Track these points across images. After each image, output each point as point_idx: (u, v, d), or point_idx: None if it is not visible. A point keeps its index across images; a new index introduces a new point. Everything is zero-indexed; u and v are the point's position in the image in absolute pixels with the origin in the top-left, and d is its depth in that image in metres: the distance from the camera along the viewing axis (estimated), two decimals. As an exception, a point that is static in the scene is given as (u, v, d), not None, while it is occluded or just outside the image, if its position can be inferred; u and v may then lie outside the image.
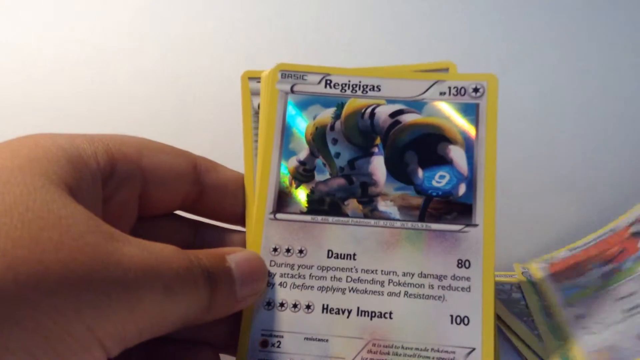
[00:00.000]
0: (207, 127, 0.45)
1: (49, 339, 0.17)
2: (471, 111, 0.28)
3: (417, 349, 0.25)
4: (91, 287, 0.18)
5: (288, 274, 0.26)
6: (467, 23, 0.47)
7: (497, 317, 0.32)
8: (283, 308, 0.26)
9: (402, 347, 0.25)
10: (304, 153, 0.28)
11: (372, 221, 0.27)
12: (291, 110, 0.28)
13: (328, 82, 0.29)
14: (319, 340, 0.25)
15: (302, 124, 0.28)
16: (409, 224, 0.26)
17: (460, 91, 0.28)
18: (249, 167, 0.28)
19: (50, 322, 0.17)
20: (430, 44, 0.47)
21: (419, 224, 0.26)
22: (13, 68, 0.46)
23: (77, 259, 0.18)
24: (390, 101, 0.28)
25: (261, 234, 0.27)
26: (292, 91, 0.29)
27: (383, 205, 0.27)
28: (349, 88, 0.28)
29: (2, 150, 0.21)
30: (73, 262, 0.18)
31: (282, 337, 0.25)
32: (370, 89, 0.28)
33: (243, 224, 0.27)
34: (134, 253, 0.20)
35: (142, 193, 0.25)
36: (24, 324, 0.17)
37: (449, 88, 0.28)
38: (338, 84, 0.29)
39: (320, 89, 0.29)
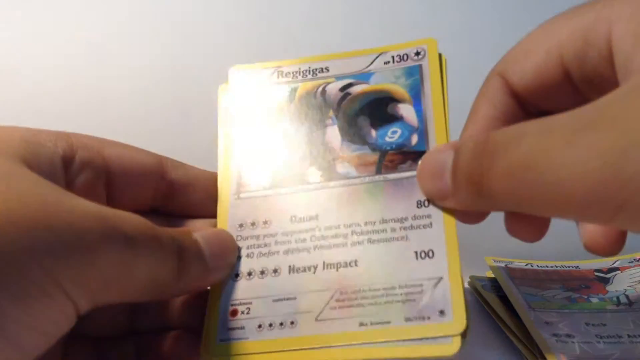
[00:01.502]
0: (192, 129, 0.46)
1: (5, 284, 0.17)
2: (415, 72, 0.29)
3: (384, 288, 0.24)
4: (44, 231, 0.18)
5: (254, 244, 0.27)
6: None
7: (497, 315, 0.31)
8: (251, 277, 0.26)
9: (370, 290, 0.24)
10: (263, 136, 0.29)
11: (331, 183, 0.27)
12: (247, 101, 0.30)
13: (280, 73, 0.31)
14: (287, 299, 0.25)
15: (259, 112, 0.30)
16: (367, 179, 0.27)
17: (403, 57, 0.30)
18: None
19: (5, 266, 0.17)
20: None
21: (376, 177, 0.27)
22: (12, 68, 0.48)
23: (27, 206, 0.18)
24: (339, 78, 0.30)
25: (227, 215, 0.28)
26: (246, 84, 0.31)
27: (341, 167, 0.28)
28: (299, 74, 0.31)
29: None
30: (23, 209, 0.18)
31: (250, 303, 0.25)
32: (319, 72, 0.30)
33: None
34: (90, 205, 0.20)
35: (107, 183, 0.26)
36: None
37: (392, 57, 0.30)
38: (289, 73, 0.31)
39: (274, 79, 0.31)
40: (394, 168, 0.27)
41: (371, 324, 0.24)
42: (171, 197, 0.28)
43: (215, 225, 0.28)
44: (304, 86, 0.30)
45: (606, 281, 0.34)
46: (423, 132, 0.28)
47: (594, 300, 0.32)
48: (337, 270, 0.25)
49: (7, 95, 0.47)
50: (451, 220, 0.25)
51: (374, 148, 0.28)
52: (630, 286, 0.33)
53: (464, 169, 0.23)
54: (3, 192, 0.19)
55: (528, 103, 0.26)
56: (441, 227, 0.25)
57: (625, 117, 0.17)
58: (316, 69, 0.31)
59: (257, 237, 0.27)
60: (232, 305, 0.26)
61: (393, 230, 0.26)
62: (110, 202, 0.27)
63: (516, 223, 0.25)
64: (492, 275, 0.35)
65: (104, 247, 0.20)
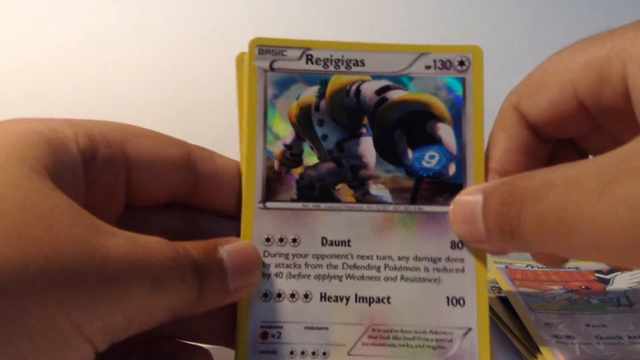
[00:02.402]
0: (206, 116, 0.44)
1: (32, 336, 0.17)
2: (457, 86, 0.28)
3: (416, 331, 0.26)
4: (76, 282, 0.18)
5: (283, 263, 0.26)
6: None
7: (497, 316, 0.33)
8: (281, 299, 0.26)
9: (402, 331, 0.26)
10: (289, 136, 0.27)
11: (364, 206, 0.27)
12: (272, 90, 0.27)
13: (309, 57, 0.28)
14: (319, 328, 0.26)
15: (285, 105, 0.27)
16: (402, 207, 0.27)
17: (445, 64, 0.28)
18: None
19: (34, 320, 0.18)
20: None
21: (412, 207, 0.27)
22: (12, 67, 0.46)
23: (60, 254, 0.18)
24: (376, 77, 0.28)
25: (252, 224, 0.27)
26: (271, 69, 0.27)
27: (375, 189, 0.27)
28: (331, 64, 0.28)
29: None
30: (57, 257, 0.18)
31: (281, 327, 0.26)
32: (354, 64, 0.28)
33: (240, 214, 0.27)
34: (120, 245, 0.20)
35: (128, 179, 0.25)
36: (5, 322, 0.17)
37: (434, 61, 0.28)
38: (320, 60, 0.28)
39: (302, 65, 0.28)
40: (430, 199, 0.27)
41: None
42: (196, 191, 0.27)
43: (239, 231, 0.27)
44: (336, 80, 0.28)
45: (606, 282, 0.36)
46: (461, 162, 0.27)
47: (594, 301, 0.33)
48: (369, 305, 0.26)
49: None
50: (483, 268, 0.27)
51: (410, 172, 0.27)
52: (630, 287, 0.34)
53: (494, 216, 0.24)
54: (39, 236, 0.18)
55: (544, 133, 0.27)
56: (473, 273, 0.26)
57: None
58: (350, 61, 0.28)
59: (286, 255, 0.27)
60: (262, 327, 0.26)
61: (426, 270, 0.26)
62: (130, 198, 0.25)
63: (542, 256, 0.27)
64: (493, 277, 0.37)
65: (132, 292, 0.20)
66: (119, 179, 0.24)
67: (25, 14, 0.48)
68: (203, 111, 0.46)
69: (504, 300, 0.34)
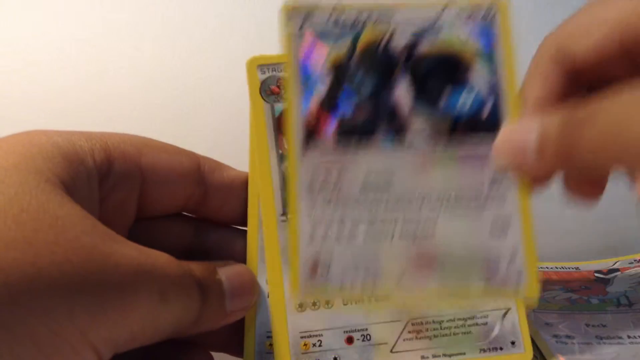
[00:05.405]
0: (211, 124, 0.45)
1: (39, 343, 0.18)
2: (485, 33, 0.26)
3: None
4: (86, 290, 0.19)
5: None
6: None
7: None
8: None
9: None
10: (324, 89, 0.25)
11: (403, 150, 0.25)
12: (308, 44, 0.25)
13: (338, 17, 0.25)
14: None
15: (319, 59, 0.25)
16: (440, 148, 0.25)
17: (473, 14, 0.26)
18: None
19: (42, 327, 0.18)
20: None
21: (449, 148, 0.25)
22: (12, 67, 0.46)
23: (72, 261, 0.18)
24: (404, 30, 0.25)
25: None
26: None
27: (412, 133, 0.25)
28: (361, 21, 0.26)
29: None
30: (68, 265, 0.18)
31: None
32: (383, 20, 0.26)
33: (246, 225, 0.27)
34: (132, 255, 0.20)
35: (141, 193, 0.25)
36: (12, 329, 0.17)
37: (461, 11, 0.26)
38: (349, 19, 0.25)
39: (331, 25, 0.25)
40: (466, 140, 0.25)
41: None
42: (204, 201, 0.27)
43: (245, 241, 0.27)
44: (367, 34, 0.25)
45: (606, 282, 0.35)
46: (496, 104, 0.25)
47: (594, 301, 0.33)
48: (413, 241, 0.24)
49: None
50: (527, 201, 0.24)
51: (445, 116, 0.25)
52: (630, 287, 0.34)
53: (555, 137, 0.22)
54: (51, 242, 0.18)
55: (583, 78, 0.25)
56: (516, 204, 0.24)
57: None
58: (379, 17, 0.25)
59: (329, 201, 0.25)
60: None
61: (468, 207, 0.25)
62: (141, 210, 0.26)
63: (579, 183, 0.26)
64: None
65: (139, 302, 0.20)
66: (133, 193, 0.25)
67: (25, 14, 0.47)
68: (203, 114, 0.46)
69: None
